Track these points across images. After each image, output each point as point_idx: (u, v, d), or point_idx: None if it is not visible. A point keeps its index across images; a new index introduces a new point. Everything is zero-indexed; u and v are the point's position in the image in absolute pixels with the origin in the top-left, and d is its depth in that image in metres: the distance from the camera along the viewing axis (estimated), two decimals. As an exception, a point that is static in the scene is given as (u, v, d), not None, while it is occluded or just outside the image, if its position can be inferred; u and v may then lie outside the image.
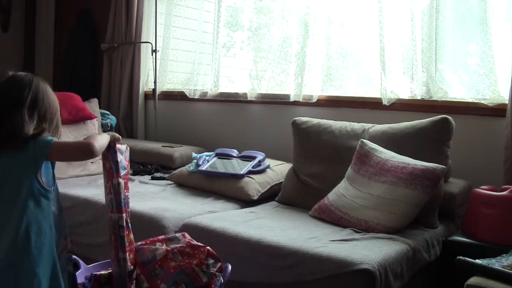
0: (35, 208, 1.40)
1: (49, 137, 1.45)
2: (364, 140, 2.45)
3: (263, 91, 3.54)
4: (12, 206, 1.39)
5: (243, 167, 2.81)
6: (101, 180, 1.81)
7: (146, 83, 4.01)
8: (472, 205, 2.25)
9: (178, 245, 1.72)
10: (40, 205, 1.42)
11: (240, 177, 2.74)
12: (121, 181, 1.61)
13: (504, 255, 1.88)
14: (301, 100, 3.20)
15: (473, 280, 1.68)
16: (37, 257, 1.39)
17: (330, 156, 2.63)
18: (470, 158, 2.65)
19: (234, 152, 2.99)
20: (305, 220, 2.34)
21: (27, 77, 1.51)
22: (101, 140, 1.52)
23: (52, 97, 1.54)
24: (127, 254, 1.63)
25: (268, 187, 2.77)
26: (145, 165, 3.35)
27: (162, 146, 3.47)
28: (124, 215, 1.62)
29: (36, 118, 1.46)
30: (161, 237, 1.79)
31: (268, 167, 2.87)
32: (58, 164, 3.49)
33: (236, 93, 3.56)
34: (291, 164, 2.81)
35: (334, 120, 2.77)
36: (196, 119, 3.83)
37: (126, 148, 1.66)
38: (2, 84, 1.48)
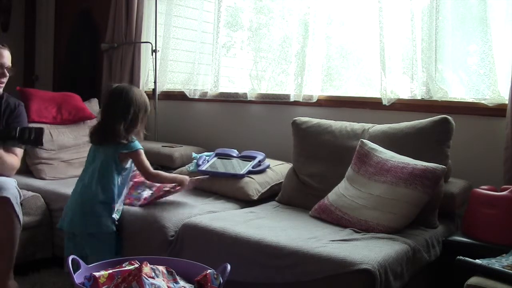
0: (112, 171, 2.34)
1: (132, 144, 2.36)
2: (364, 140, 2.45)
3: (263, 91, 3.54)
4: (96, 169, 2.33)
5: (243, 167, 2.80)
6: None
7: (146, 83, 4.00)
8: (472, 205, 2.25)
9: None
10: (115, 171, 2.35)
11: (240, 177, 2.74)
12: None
13: (504, 255, 1.88)
14: (301, 100, 3.20)
15: (473, 280, 1.68)
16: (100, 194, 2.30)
17: (330, 156, 2.62)
18: (470, 158, 2.64)
19: (234, 152, 2.99)
20: (305, 220, 2.34)
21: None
22: (166, 177, 2.54)
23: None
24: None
25: (268, 187, 2.77)
26: (145, 165, 3.34)
27: (162, 146, 3.47)
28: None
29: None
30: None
31: (268, 167, 2.87)
32: (58, 164, 3.47)
33: (236, 93, 3.55)
34: (291, 164, 2.80)
35: (334, 120, 2.77)
36: (196, 119, 3.82)
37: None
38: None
